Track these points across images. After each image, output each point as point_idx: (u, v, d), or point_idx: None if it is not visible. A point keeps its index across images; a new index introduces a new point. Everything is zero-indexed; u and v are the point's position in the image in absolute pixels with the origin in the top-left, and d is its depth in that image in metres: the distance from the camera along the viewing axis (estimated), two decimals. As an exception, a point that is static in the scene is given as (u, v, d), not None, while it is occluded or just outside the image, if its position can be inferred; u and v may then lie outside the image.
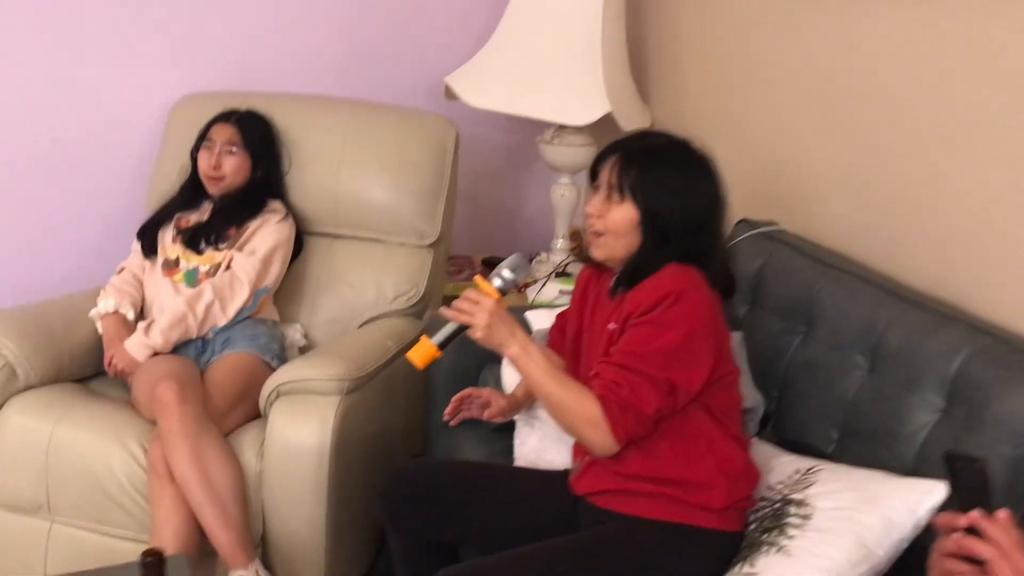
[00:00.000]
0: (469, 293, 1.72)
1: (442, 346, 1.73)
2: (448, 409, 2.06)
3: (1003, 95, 1.77)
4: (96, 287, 2.55)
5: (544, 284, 2.71)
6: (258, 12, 2.94)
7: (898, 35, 2.03)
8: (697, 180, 1.74)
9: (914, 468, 1.71)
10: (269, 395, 2.17)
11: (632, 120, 2.77)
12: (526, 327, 2.18)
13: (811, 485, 1.73)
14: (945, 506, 1.59)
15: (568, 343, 1.92)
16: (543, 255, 3.04)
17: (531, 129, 3.03)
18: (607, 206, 1.73)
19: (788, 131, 2.40)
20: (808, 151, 2.33)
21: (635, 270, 1.72)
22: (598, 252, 1.77)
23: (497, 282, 1.75)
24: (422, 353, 1.72)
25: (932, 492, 1.61)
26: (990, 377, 1.64)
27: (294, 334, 2.57)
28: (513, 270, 1.76)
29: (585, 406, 1.65)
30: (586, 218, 1.77)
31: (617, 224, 1.72)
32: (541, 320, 2.24)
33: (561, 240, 3.00)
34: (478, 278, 1.76)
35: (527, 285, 2.78)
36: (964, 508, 1.19)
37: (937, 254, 1.95)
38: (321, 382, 2.14)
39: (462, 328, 1.71)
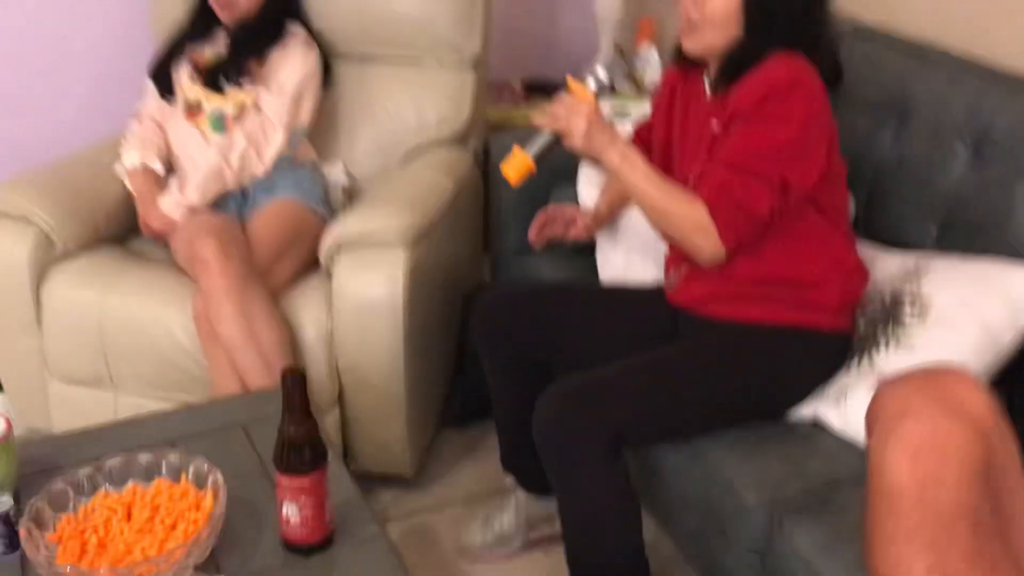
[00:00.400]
0: (564, 98, 1.59)
1: (538, 159, 1.60)
2: (533, 230, 1.95)
3: None
4: (113, 135, 2.37)
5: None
6: None
7: None
8: None
9: (1029, 258, 1.65)
10: (330, 249, 2.06)
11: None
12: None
13: (924, 276, 1.67)
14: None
15: (656, 155, 1.80)
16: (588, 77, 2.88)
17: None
18: None
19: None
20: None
21: (739, 61, 1.58)
22: (693, 44, 1.63)
23: (592, 83, 1.62)
24: (517, 167, 1.60)
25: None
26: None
27: (337, 173, 2.42)
28: (608, 68, 1.62)
29: (694, 211, 1.55)
30: (678, 5, 1.62)
31: (716, 9, 1.57)
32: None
33: (608, 54, 2.81)
34: (571, 80, 1.63)
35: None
36: None
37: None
38: (387, 234, 2.02)
39: (559, 137, 1.59)
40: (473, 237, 2.38)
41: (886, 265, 1.76)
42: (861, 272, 1.70)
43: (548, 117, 1.59)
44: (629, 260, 1.97)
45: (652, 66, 2.70)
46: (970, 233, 1.76)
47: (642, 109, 2.54)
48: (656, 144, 1.82)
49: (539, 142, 1.60)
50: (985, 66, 1.84)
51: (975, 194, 1.75)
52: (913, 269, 1.70)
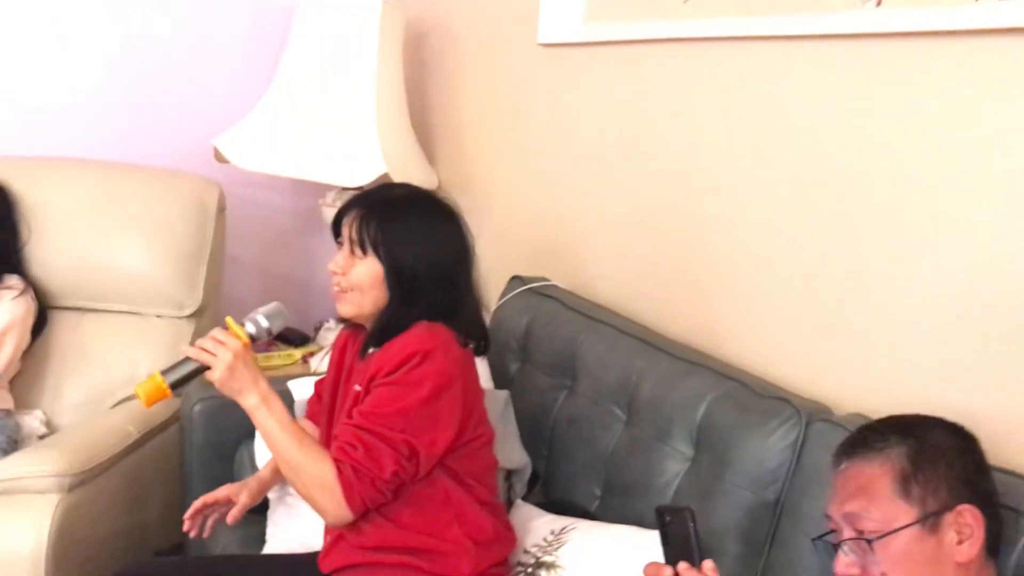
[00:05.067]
0: (216, 332, 1.58)
1: (175, 386, 1.57)
2: (186, 527, 1.83)
3: (770, 151, 1.75)
4: None
5: (327, 353, 2.58)
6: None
7: (658, 93, 2.03)
8: (440, 230, 1.67)
9: (669, 521, 1.66)
10: None
11: (415, 180, 2.71)
12: (287, 398, 2.06)
13: (563, 545, 1.66)
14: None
15: (324, 409, 1.80)
16: (332, 322, 2.92)
17: (317, 193, 2.93)
18: (350, 262, 1.65)
19: (559, 189, 2.37)
20: (577, 207, 2.31)
21: (384, 329, 1.64)
22: (344, 309, 1.68)
23: (250, 327, 1.63)
24: (150, 389, 1.56)
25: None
26: (729, 422, 1.62)
27: (32, 422, 2.32)
28: (268, 316, 1.65)
29: (320, 469, 1.54)
30: (331, 275, 1.68)
31: (361, 279, 1.64)
32: (304, 390, 2.11)
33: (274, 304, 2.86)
34: (229, 320, 1.64)
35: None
36: (673, 560, 1.18)
37: (693, 303, 1.94)
38: (36, 479, 1.90)
39: (201, 369, 1.57)
40: (170, 494, 2.27)
41: (539, 530, 1.73)
42: (502, 541, 1.67)
43: (195, 348, 1.58)
44: (305, 524, 1.88)
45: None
46: (624, 495, 1.76)
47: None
48: (325, 400, 1.81)
49: (181, 370, 1.58)
50: (638, 330, 1.93)
51: (626, 457, 1.78)
52: (556, 537, 1.68)
